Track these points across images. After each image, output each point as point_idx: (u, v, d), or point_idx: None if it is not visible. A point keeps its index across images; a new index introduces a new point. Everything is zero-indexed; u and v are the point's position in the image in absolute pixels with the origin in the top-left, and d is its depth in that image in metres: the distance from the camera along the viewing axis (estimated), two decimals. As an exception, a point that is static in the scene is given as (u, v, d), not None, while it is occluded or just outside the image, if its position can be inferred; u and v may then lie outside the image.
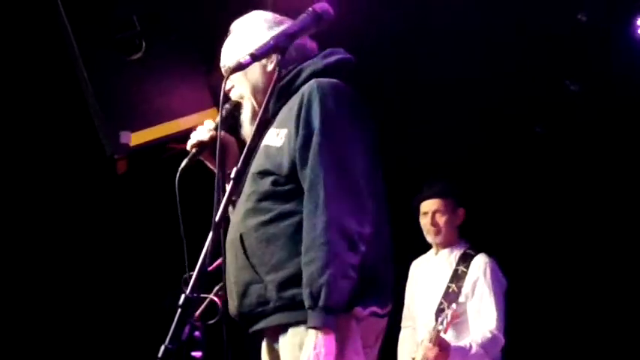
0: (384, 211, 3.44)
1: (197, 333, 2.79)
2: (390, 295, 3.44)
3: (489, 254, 5.86)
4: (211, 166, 3.72)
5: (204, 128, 3.61)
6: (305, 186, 3.26)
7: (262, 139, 3.53)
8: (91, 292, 7.14)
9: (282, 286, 3.27)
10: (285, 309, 3.29)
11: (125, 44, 5.53)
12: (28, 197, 6.96)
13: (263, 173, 3.41)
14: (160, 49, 5.61)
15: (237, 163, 3.40)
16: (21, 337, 6.98)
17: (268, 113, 3.57)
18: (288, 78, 3.55)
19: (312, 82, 3.42)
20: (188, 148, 3.44)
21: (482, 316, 5.63)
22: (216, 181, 3.23)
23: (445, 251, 6.01)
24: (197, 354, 2.81)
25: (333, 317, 3.12)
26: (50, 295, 7.06)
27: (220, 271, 3.74)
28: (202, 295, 2.92)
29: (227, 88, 3.66)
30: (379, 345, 3.50)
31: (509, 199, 7.74)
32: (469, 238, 6.04)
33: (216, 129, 3.60)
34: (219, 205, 2.96)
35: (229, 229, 3.53)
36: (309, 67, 3.56)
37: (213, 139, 3.57)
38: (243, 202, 3.46)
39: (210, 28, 5.95)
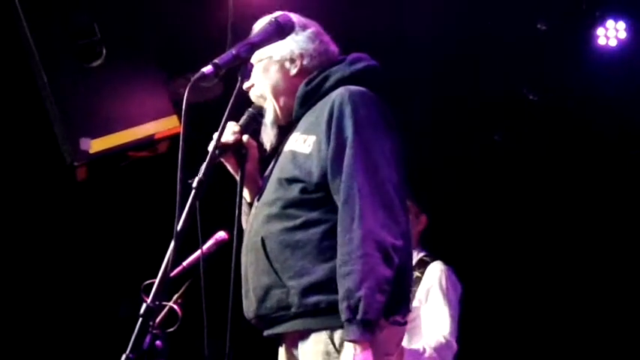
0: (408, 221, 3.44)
1: (158, 342, 2.78)
2: (409, 303, 3.45)
3: (446, 262, 5.86)
4: (231, 169, 3.67)
5: (228, 130, 3.54)
6: (339, 198, 3.26)
7: (285, 143, 3.53)
8: (49, 300, 7.09)
9: (306, 292, 3.26)
10: (307, 315, 3.29)
11: (86, 51, 5.52)
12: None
13: (290, 180, 3.39)
14: (120, 56, 5.60)
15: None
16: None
17: (292, 117, 3.59)
18: (314, 83, 3.54)
19: (343, 89, 3.41)
20: (210, 149, 3.28)
21: (436, 321, 5.63)
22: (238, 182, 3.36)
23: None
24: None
25: (371, 330, 3.13)
26: (6, 302, 7.00)
27: (179, 280, 3.73)
28: (163, 303, 2.91)
29: (247, 85, 3.65)
30: (399, 352, 3.48)
31: (467, 206, 7.77)
32: (428, 244, 6.04)
33: (240, 132, 3.58)
34: (180, 215, 2.93)
35: (246, 233, 3.53)
36: (336, 73, 3.55)
37: (237, 141, 3.57)
38: (266, 207, 3.44)
39: (171, 35, 5.95)
